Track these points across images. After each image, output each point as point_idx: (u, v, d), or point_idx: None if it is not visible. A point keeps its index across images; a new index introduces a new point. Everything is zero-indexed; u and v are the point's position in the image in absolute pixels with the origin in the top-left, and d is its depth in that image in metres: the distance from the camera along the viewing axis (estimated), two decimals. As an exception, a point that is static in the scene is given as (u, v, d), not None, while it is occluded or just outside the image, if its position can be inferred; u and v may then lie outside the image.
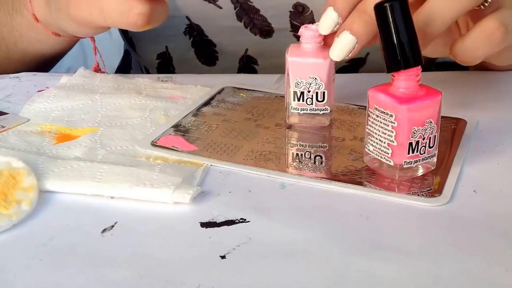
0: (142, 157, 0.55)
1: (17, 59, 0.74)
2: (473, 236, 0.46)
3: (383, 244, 0.45)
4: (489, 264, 0.43)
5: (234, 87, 0.68)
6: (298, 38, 0.72)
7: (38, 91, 0.65)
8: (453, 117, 0.60)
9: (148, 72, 0.85)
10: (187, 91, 0.66)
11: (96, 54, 0.71)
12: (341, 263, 0.43)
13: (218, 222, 0.47)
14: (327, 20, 0.52)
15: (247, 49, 0.78)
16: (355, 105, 0.63)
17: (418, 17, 0.50)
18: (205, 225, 0.47)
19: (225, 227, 0.47)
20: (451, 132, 0.58)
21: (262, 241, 0.45)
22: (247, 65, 0.80)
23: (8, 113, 0.62)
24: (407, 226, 0.47)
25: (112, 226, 0.47)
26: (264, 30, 0.76)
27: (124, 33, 0.85)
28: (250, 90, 0.67)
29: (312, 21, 0.75)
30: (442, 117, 0.52)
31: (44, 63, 0.76)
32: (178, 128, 0.59)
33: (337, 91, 0.60)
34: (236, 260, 0.43)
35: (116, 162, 0.53)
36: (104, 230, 0.46)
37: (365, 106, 0.52)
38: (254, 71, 0.80)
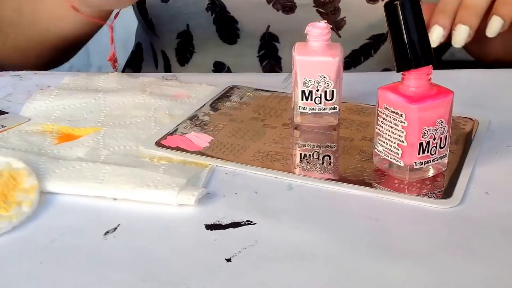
0: (146, 157, 0.54)
1: (38, 43, 0.75)
2: (485, 238, 0.45)
3: (392, 246, 0.44)
4: (501, 267, 0.43)
5: (241, 86, 0.67)
6: (320, 13, 0.71)
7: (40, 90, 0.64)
8: (464, 117, 0.60)
9: (165, 56, 0.86)
10: (192, 90, 0.66)
11: (112, 43, 0.71)
12: (349, 266, 0.43)
13: (223, 224, 0.47)
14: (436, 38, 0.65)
15: (269, 26, 0.79)
16: (365, 104, 0.62)
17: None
18: (210, 227, 0.46)
19: (230, 229, 0.46)
20: (463, 132, 0.58)
21: (269, 243, 0.45)
22: (269, 42, 0.80)
23: (8, 113, 0.61)
24: (417, 228, 0.46)
25: (115, 228, 0.46)
26: (287, 5, 0.77)
27: (143, 15, 0.85)
28: (256, 89, 0.66)
29: None
30: (454, 117, 0.51)
31: (62, 50, 0.77)
32: (183, 127, 0.58)
33: (346, 90, 0.59)
34: (242, 263, 0.43)
35: (119, 163, 0.52)
36: (106, 233, 0.46)
37: (375, 105, 0.51)
38: (275, 49, 0.80)
